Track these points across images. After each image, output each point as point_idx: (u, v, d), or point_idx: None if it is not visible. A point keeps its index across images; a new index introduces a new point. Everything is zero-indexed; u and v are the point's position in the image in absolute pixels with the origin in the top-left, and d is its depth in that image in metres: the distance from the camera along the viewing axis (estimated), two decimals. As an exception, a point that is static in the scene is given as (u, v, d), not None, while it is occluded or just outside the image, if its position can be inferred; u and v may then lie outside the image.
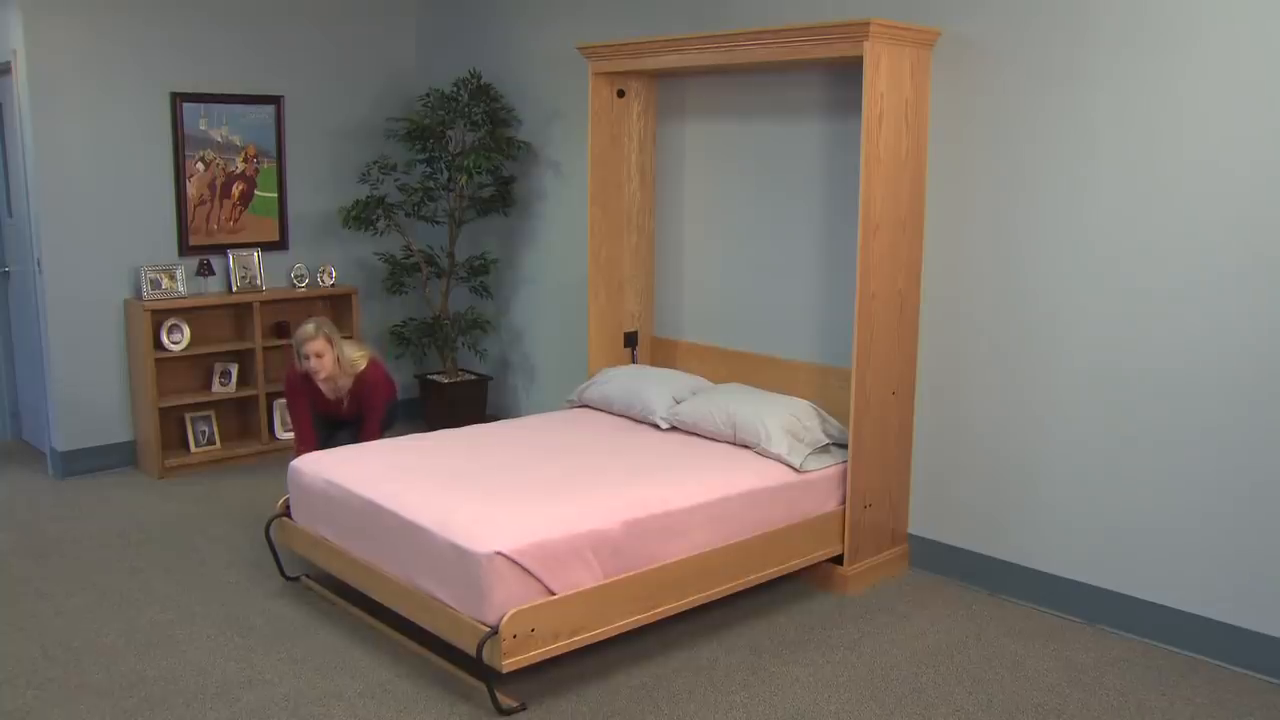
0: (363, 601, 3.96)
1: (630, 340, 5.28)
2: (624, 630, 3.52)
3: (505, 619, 3.15)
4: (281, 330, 6.05)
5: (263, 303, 5.93)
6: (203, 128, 5.85)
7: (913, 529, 4.42)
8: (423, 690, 3.43)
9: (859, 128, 4.00)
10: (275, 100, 6.09)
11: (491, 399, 6.35)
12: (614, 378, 4.89)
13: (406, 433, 6.38)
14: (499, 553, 3.21)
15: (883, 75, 3.89)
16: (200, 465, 5.78)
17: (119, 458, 5.79)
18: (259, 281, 6.02)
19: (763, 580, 3.95)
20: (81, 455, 5.66)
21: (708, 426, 4.35)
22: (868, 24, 3.77)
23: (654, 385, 4.71)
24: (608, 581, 3.45)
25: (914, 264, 4.20)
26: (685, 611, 3.97)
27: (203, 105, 5.83)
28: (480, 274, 6.13)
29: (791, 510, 4.01)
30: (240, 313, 5.98)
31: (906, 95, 4.01)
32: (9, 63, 5.49)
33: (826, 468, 4.15)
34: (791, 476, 4.06)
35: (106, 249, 5.62)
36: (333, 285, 6.24)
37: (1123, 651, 3.71)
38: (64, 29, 5.38)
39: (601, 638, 3.45)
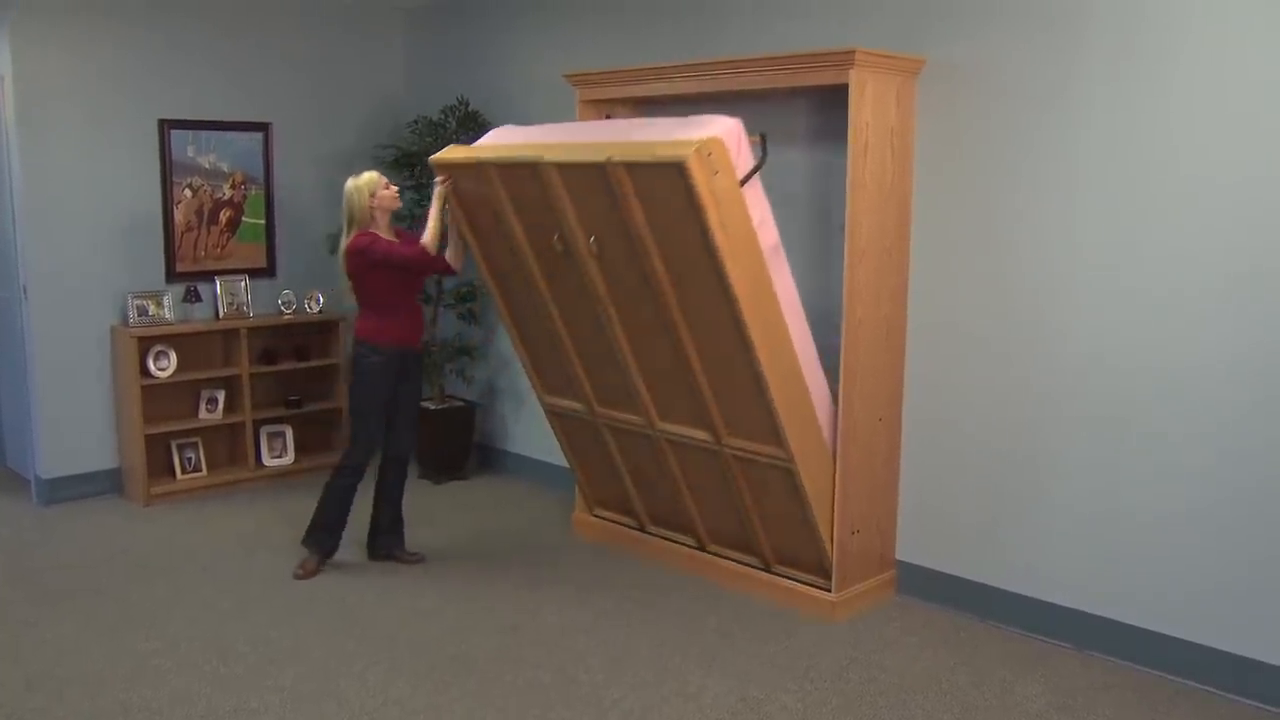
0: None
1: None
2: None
3: (710, 139, 3.56)
4: (269, 357, 6.06)
5: (250, 329, 5.95)
6: (190, 154, 5.88)
7: (900, 555, 4.44)
8: (408, 719, 3.43)
9: (845, 155, 4.05)
10: (263, 127, 6.13)
11: (480, 426, 6.36)
12: None
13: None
14: (740, 124, 3.72)
15: (868, 103, 3.94)
16: (186, 492, 5.77)
17: (104, 485, 5.78)
18: (246, 308, 6.04)
19: (768, 395, 3.86)
20: (66, 482, 5.66)
21: None
22: (852, 53, 3.83)
23: None
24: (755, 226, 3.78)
25: (900, 290, 4.25)
26: (676, 636, 3.98)
27: (191, 132, 5.87)
28: (467, 300, 6.15)
29: (819, 401, 4.07)
30: (228, 339, 5.99)
31: (892, 123, 4.06)
32: (-3, 89, 5.53)
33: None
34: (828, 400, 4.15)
35: (93, 275, 5.63)
36: (320, 312, 6.25)
37: (1113, 678, 3.73)
38: (52, 55, 5.43)
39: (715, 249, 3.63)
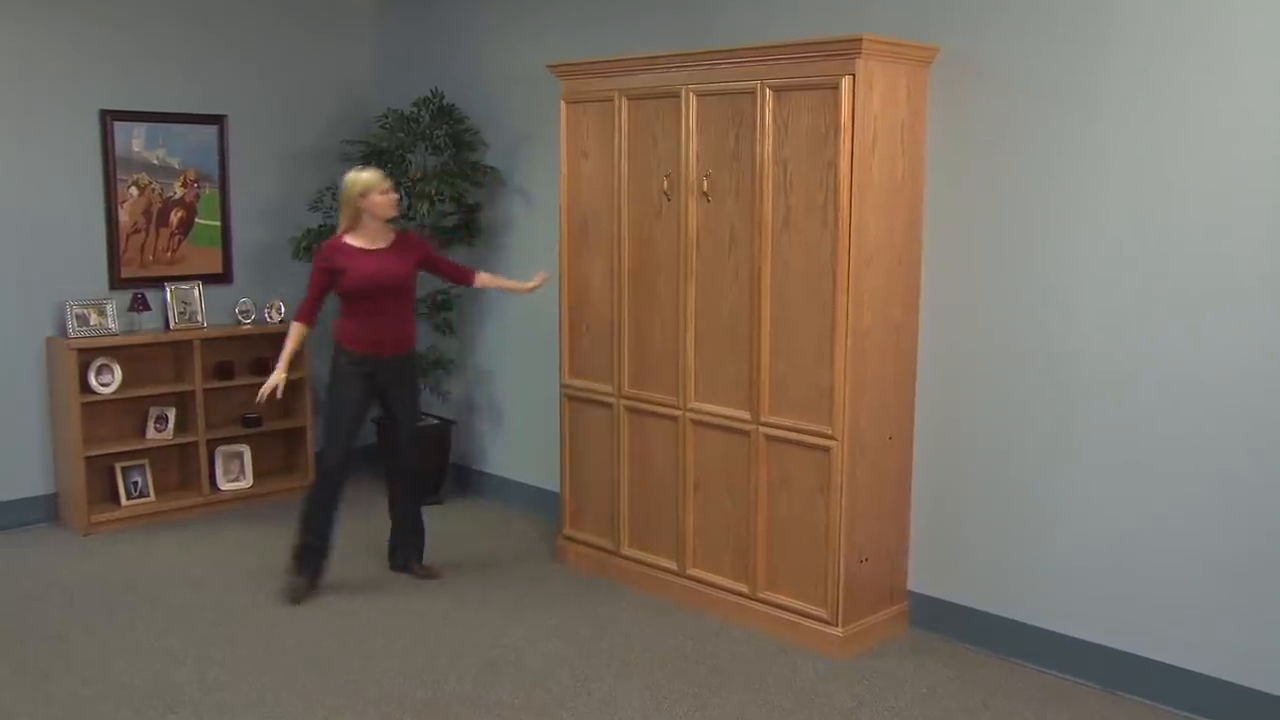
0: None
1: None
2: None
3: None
4: (224, 370, 6.00)
5: (204, 341, 5.88)
6: (136, 149, 5.83)
7: (913, 586, 4.40)
8: (375, 770, 3.37)
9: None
10: (218, 120, 6.08)
11: (455, 445, 6.31)
12: None
13: (364, 482, 6.33)
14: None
15: (876, 95, 3.92)
16: (132, 520, 5.70)
17: (39, 512, 5.71)
18: (200, 317, 5.97)
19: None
20: (-1, 509, 5.59)
21: None
22: (859, 40, 3.81)
23: None
24: None
25: (912, 296, 4.22)
26: (665, 673, 3.93)
27: (136, 124, 5.81)
28: (443, 309, 6.11)
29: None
30: (179, 351, 5.93)
31: (902, 117, 4.04)
32: (-74, 79, 5.47)
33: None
34: None
35: (27, 282, 5.56)
36: (282, 322, 6.19)
37: (1141, 718, 3.69)
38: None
39: None
